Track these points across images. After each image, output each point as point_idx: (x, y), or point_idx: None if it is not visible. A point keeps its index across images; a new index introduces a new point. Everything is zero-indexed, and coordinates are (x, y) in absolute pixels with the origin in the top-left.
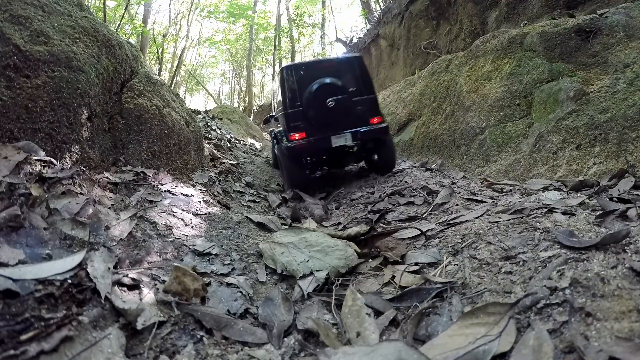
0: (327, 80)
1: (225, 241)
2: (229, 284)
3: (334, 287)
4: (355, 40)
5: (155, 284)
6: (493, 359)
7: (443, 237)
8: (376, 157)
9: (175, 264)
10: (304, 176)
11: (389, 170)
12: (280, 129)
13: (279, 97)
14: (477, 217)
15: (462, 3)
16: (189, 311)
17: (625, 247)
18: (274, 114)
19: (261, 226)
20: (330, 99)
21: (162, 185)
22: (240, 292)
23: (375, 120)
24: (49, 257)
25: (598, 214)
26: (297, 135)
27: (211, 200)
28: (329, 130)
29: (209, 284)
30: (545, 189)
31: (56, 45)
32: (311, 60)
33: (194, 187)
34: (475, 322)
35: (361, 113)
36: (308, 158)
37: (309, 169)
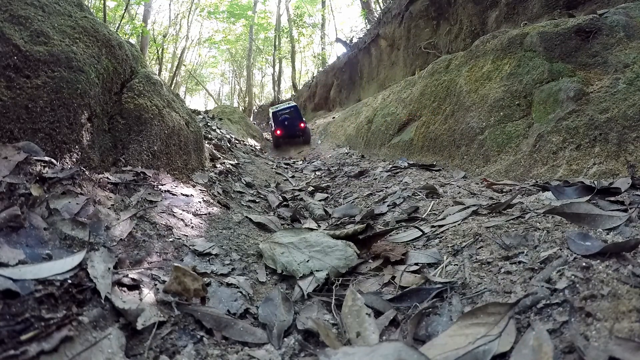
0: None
1: (225, 241)
2: (229, 284)
3: (334, 287)
4: (355, 40)
5: (155, 284)
6: (493, 359)
7: (443, 237)
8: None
9: (175, 264)
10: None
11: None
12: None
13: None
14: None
15: (462, 3)
16: (189, 311)
17: None
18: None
19: (261, 226)
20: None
21: (162, 185)
22: (240, 292)
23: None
24: (49, 257)
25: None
26: (278, 131)
27: (211, 201)
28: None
29: (209, 284)
30: (545, 189)
31: (56, 45)
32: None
33: (194, 187)
34: (475, 322)
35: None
36: (280, 138)
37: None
